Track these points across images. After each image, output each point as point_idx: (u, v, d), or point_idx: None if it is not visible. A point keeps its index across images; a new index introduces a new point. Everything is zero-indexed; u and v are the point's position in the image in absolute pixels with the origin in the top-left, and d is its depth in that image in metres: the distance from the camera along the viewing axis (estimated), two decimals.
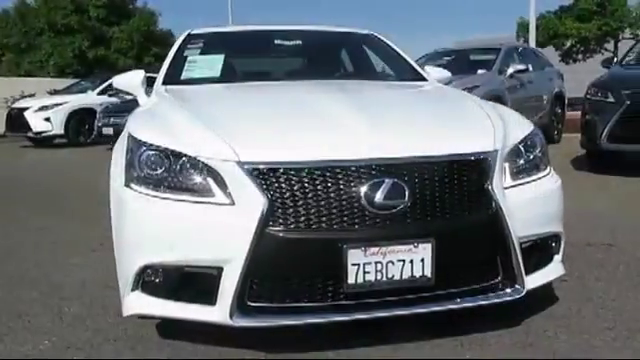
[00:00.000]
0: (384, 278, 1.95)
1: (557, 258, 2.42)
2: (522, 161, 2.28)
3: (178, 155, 2.07)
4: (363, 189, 1.94)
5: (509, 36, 28.26)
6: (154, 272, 2.06)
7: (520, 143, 2.30)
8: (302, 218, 1.92)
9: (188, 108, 2.47)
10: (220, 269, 1.94)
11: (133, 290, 2.11)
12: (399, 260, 1.95)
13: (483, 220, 2.06)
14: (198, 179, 2.03)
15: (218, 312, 1.96)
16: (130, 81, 3.39)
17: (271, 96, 2.84)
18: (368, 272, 1.93)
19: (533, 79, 9.57)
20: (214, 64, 3.40)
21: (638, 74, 6.49)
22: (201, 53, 3.53)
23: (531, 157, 2.32)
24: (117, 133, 10.83)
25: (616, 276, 3.01)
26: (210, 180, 2.02)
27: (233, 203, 1.96)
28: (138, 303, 2.10)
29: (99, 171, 9.71)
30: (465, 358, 2.13)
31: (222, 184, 1.99)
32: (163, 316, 2.10)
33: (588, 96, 6.65)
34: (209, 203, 1.99)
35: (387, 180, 1.94)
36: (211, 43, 3.63)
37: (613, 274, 3.03)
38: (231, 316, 1.93)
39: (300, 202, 1.93)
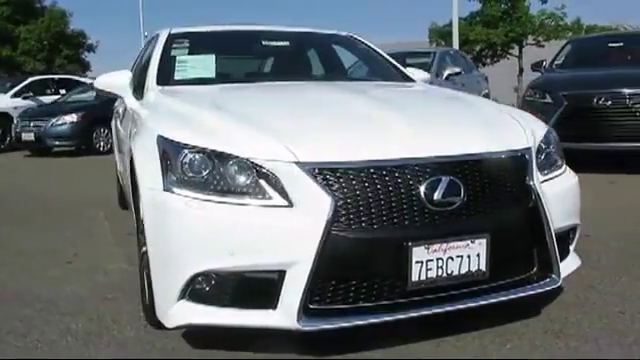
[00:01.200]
0: (444, 274, 1.99)
1: (571, 249, 2.56)
2: (545, 158, 2.40)
3: (226, 156, 1.99)
4: (422, 187, 1.96)
5: (422, 41, 29.41)
6: (206, 279, 1.97)
7: (542, 141, 2.41)
8: (365, 218, 1.92)
9: (214, 108, 2.39)
10: (283, 272, 1.89)
11: (179, 300, 2.00)
12: (458, 256, 1.99)
13: (527, 214, 2.15)
14: (249, 181, 1.97)
15: (280, 316, 1.91)
16: (116, 82, 3.23)
17: (291, 96, 2.80)
18: (430, 269, 1.96)
19: (465, 82, 10.04)
20: (206, 64, 3.30)
21: (573, 76, 6.94)
22: (189, 53, 3.41)
23: (552, 154, 2.44)
24: (38, 138, 10.20)
25: (602, 264, 3.21)
26: (262, 182, 1.96)
27: (291, 205, 1.92)
28: (186, 313, 2.00)
29: (27, 177, 9.13)
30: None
31: (276, 185, 1.94)
32: (215, 325, 2.01)
33: (527, 97, 7.04)
34: (266, 206, 1.93)
35: (444, 178, 1.98)
36: (196, 43, 3.51)
37: (599, 262, 3.24)
38: (298, 320, 1.89)
39: (362, 202, 1.92)
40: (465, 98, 2.97)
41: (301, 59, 3.83)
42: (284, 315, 1.91)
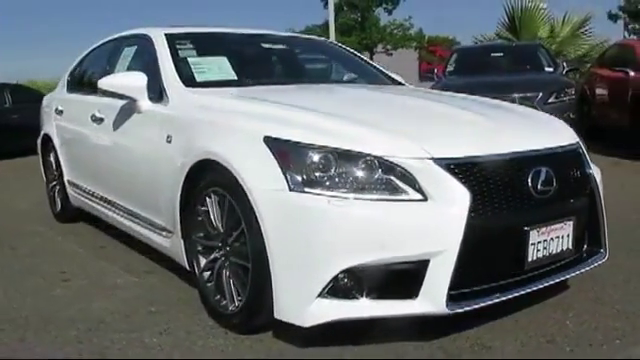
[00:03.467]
0: (547, 254, 2.27)
1: None
2: None
3: (358, 156, 2.07)
4: (529, 178, 2.22)
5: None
6: (348, 275, 2.03)
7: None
8: (491, 207, 2.12)
9: (299, 109, 2.44)
10: (426, 262, 2.02)
11: (317, 297, 2.04)
12: (556, 237, 2.29)
13: (590, 197, 2.51)
14: (379, 177, 2.06)
15: (424, 303, 2.03)
16: (132, 83, 3.04)
17: (356, 98, 2.94)
18: (539, 250, 2.24)
19: None
20: (221, 66, 3.23)
21: (473, 82, 7.65)
22: (198, 55, 3.31)
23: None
24: None
25: None
26: (393, 177, 2.07)
27: (426, 199, 2.05)
28: (326, 310, 2.05)
29: None
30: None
31: (409, 181, 2.06)
32: (354, 318, 2.07)
33: None
34: (404, 200, 2.04)
35: (543, 169, 2.26)
36: (200, 45, 3.42)
37: None
38: (447, 305, 2.03)
39: (488, 192, 2.12)
40: (491, 101, 3.27)
41: (304, 63, 3.91)
42: (428, 301, 2.03)
